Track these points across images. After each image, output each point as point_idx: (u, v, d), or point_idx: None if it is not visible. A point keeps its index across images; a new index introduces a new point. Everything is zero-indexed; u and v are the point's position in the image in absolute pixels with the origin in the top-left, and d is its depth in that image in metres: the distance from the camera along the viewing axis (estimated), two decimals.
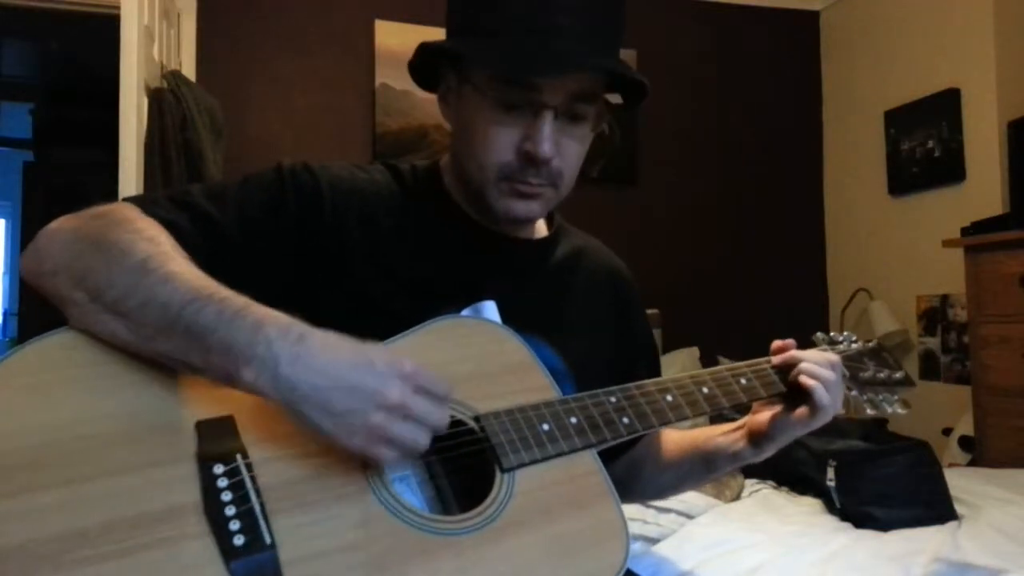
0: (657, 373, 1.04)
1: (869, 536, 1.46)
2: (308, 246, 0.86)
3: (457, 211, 0.95)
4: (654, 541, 1.43)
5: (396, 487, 0.73)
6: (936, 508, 1.54)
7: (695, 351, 3.18)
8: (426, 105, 3.03)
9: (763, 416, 0.99)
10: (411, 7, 3.06)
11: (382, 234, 0.90)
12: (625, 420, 0.85)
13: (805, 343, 1.06)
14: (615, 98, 0.96)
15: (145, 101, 2.28)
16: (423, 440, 0.68)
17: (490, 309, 0.90)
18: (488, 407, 0.79)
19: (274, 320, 0.67)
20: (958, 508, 1.56)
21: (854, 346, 1.12)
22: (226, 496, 0.64)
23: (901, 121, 3.26)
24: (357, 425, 0.65)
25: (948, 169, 3.04)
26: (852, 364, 1.07)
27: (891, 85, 3.31)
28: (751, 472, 1.84)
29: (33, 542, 0.58)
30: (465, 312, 0.89)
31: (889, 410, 1.07)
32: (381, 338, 0.80)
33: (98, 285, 0.70)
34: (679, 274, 3.39)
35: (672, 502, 1.53)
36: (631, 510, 1.45)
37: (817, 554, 1.35)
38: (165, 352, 0.68)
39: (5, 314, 6.80)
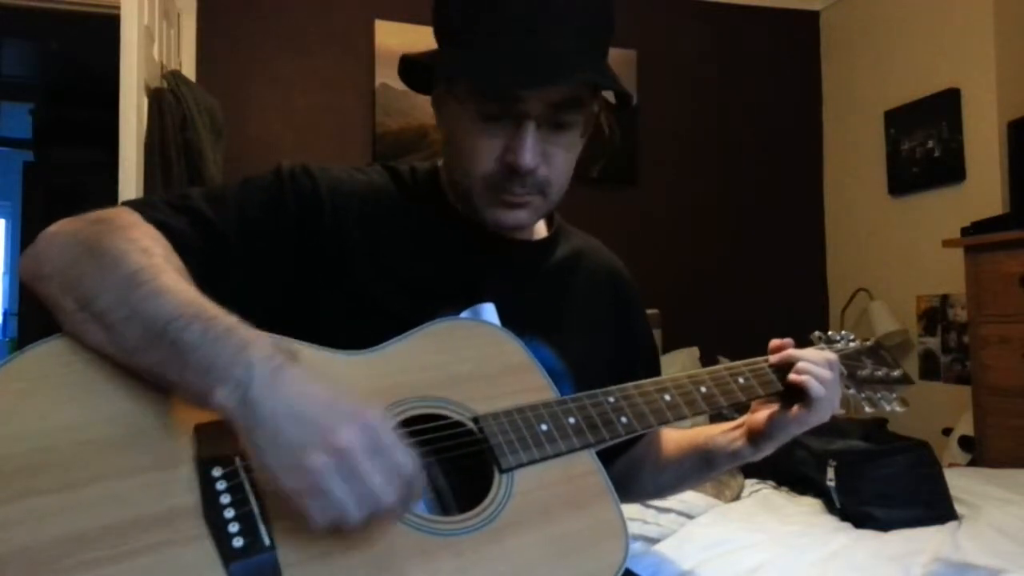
0: (657, 373, 1.04)
1: (869, 536, 1.46)
2: (308, 248, 0.86)
3: (456, 212, 0.95)
4: (654, 541, 1.43)
5: None
6: (936, 508, 1.54)
7: (695, 351, 3.18)
8: (426, 105, 2.99)
9: (761, 415, 0.99)
10: (411, 7, 3.06)
11: (381, 236, 0.91)
12: (623, 420, 0.85)
13: (804, 343, 1.06)
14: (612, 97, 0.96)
15: (145, 101, 2.28)
16: (353, 518, 0.60)
17: (489, 311, 0.90)
18: (486, 408, 0.79)
19: (260, 344, 0.65)
20: (958, 508, 1.56)
21: (852, 345, 1.12)
22: (225, 498, 0.64)
23: (901, 121, 3.26)
24: (295, 463, 0.60)
25: (948, 169, 3.04)
26: (850, 362, 1.07)
27: (891, 85, 3.31)
28: (751, 472, 1.85)
29: (32, 547, 0.58)
30: (464, 314, 0.89)
31: (888, 408, 1.07)
32: (380, 340, 0.81)
33: (87, 294, 0.69)
34: (679, 274, 3.39)
35: (672, 502, 1.53)
36: (631, 510, 1.45)
37: (817, 554, 1.35)
38: (145, 366, 0.67)
39: (5, 314, 6.80)
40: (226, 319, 0.67)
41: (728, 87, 3.60)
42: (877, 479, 1.56)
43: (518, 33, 0.82)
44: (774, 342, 1.01)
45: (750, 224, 3.58)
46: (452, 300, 0.89)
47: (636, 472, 1.09)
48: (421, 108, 3.09)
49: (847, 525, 1.54)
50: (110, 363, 0.68)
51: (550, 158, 0.87)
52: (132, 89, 2.14)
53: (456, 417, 0.78)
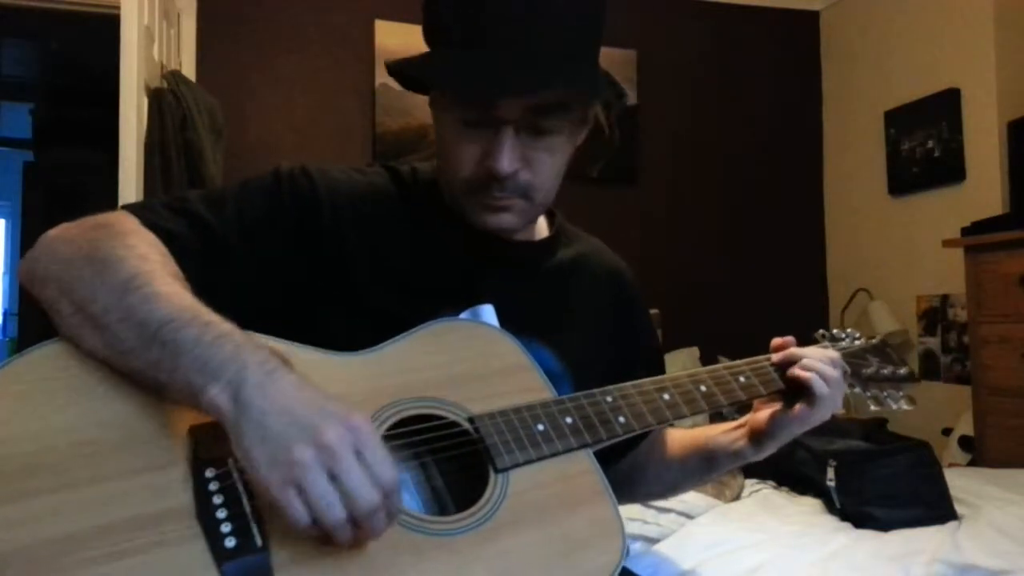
0: (660, 373, 1.03)
1: (869, 536, 1.46)
2: (306, 249, 0.87)
3: (456, 213, 0.95)
4: (654, 541, 1.43)
5: None
6: (936, 508, 1.54)
7: (695, 351, 3.18)
8: (426, 105, 3.01)
9: (763, 414, 0.99)
10: (411, 7, 3.02)
11: (380, 236, 0.91)
12: (621, 419, 0.85)
13: (806, 343, 1.06)
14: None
15: (145, 101, 2.28)
16: (335, 513, 0.60)
17: (488, 313, 0.90)
18: (483, 408, 0.79)
19: (255, 349, 0.66)
20: (958, 508, 1.56)
21: (857, 343, 1.11)
22: (218, 499, 0.64)
23: (901, 121, 3.25)
24: (280, 456, 0.60)
25: (948, 169, 3.04)
26: (854, 361, 1.07)
27: (891, 85, 3.31)
28: (751, 472, 1.84)
29: (31, 547, 0.59)
30: (463, 315, 0.89)
31: (894, 406, 1.07)
32: (379, 340, 0.81)
33: (84, 297, 0.70)
34: (679, 274, 3.39)
35: (672, 502, 1.53)
36: (631, 510, 1.45)
37: (817, 554, 1.35)
38: (137, 369, 0.67)
39: (5, 314, 6.80)
40: (222, 324, 0.68)
41: (728, 87, 3.60)
42: (877, 479, 1.56)
43: (497, 38, 0.81)
44: (776, 341, 1.00)
45: (750, 224, 3.58)
46: (451, 301, 0.89)
47: (640, 472, 1.09)
48: (421, 108, 3.07)
49: (847, 525, 1.53)
50: (107, 366, 0.69)
51: (532, 163, 0.87)
52: (132, 89, 2.14)
53: (452, 417, 0.78)
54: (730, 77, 3.61)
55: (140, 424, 0.67)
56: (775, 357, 0.99)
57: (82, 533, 0.60)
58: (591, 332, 1.01)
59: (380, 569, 0.66)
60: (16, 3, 2.94)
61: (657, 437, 1.10)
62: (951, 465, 2.45)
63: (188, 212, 0.84)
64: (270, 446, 0.61)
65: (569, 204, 1.07)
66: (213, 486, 0.65)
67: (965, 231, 2.55)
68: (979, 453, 2.49)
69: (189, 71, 2.90)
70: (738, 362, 0.98)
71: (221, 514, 0.63)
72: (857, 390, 1.06)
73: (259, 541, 0.63)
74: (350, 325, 0.84)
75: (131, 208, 0.84)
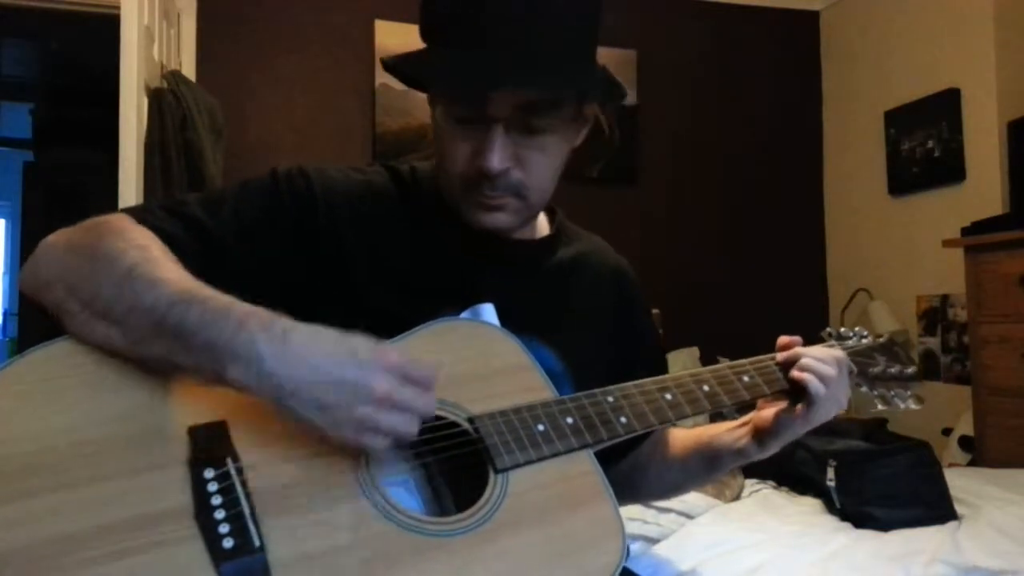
0: (662, 372, 1.03)
1: (869, 536, 1.46)
2: (305, 249, 0.87)
3: (455, 212, 0.95)
4: (654, 541, 1.43)
5: (392, 489, 0.72)
6: (936, 508, 1.54)
7: (695, 351, 3.18)
8: (426, 105, 3.02)
9: (768, 412, 0.98)
10: (411, 7, 3.01)
11: (379, 236, 0.91)
12: (623, 420, 0.85)
13: (809, 342, 1.05)
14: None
15: (145, 101, 2.28)
16: (412, 428, 0.69)
17: (489, 312, 0.90)
18: (483, 408, 0.79)
19: (256, 317, 0.68)
20: (958, 508, 1.56)
21: (864, 341, 1.10)
22: (216, 500, 0.64)
23: (901, 121, 3.25)
24: (344, 418, 0.66)
25: (948, 169, 3.04)
26: (861, 360, 1.06)
27: (891, 85, 3.31)
28: (751, 472, 1.84)
29: (30, 546, 0.59)
30: (464, 315, 0.89)
31: (902, 406, 1.06)
32: (378, 340, 0.80)
33: (89, 294, 0.71)
34: (679, 274, 3.38)
35: (672, 502, 1.53)
36: (631, 510, 1.45)
37: (817, 554, 1.35)
38: (156, 355, 0.69)
39: (5, 314, 6.80)
40: (221, 298, 0.69)
41: (728, 87, 3.60)
42: (877, 479, 1.56)
43: (493, 37, 0.81)
44: (782, 339, 1.00)
45: (750, 224, 3.58)
46: (451, 300, 0.89)
47: (642, 472, 1.08)
48: (421, 108, 3.06)
49: (847, 525, 1.53)
50: (107, 367, 0.69)
51: (524, 161, 0.86)
52: (132, 89, 2.14)
53: (452, 417, 0.78)
54: (730, 77, 3.60)
55: (140, 424, 0.68)
56: (779, 356, 0.98)
57: (81, 533, 0.60)
58: (592, 331, 1.01)
59: (379, 570, 0.66)
60: (16, 3, 2.94)
61: (659, 437, 1.09)
62: (951, 465, 2.45)
63: (185, 214, 0.84)
64: (331, 414, 0.66)
65: (569, 204, 1.06)
66: (212, 487, 0.65)
67: (965, 231, 2.55)
68: (979, 453, 2.48)
69: (189, 71, 2.90)
70: (742, 361, 0.97)
71: (219, 514, 0.64)
72: (864, 389, 1.05)
73: (257, 541, 0.63)
74: (349, 325, 0.84)
75: (129, 211, 0.84)
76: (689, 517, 1.54)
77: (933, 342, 3.13)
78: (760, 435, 0.99)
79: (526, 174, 0.87)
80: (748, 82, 3.62)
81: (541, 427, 0.80)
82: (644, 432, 0.89)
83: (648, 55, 3.44)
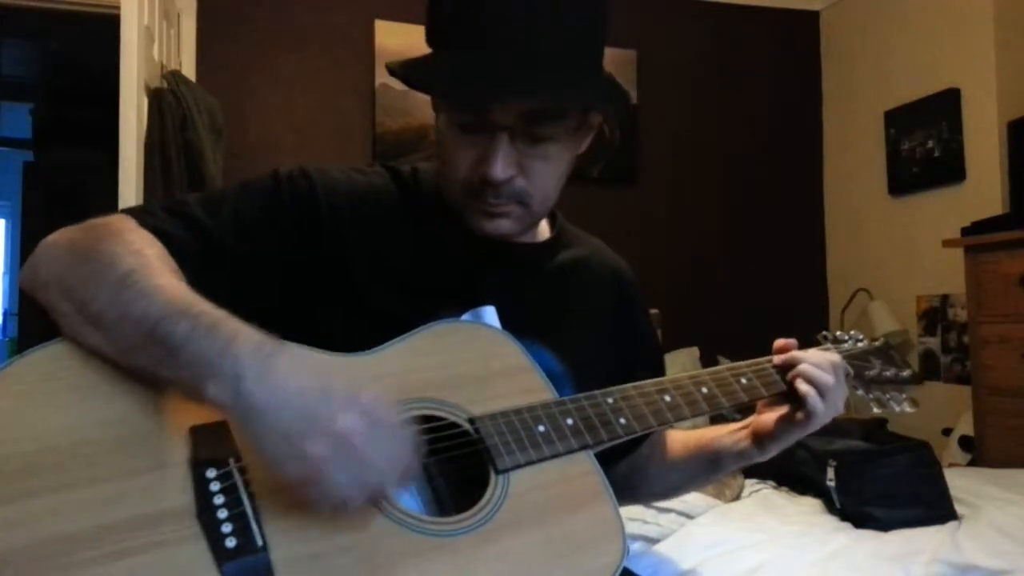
0: (661, 374, 1.03)
1: (869, 536, 1.46)
2: (306, 250, 0.86)
3: (457, 214, 0.95)
4: (654, 541, 1.43)
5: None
6: (936, 508, 1.54)
7: (695, 351, 3.18)
8: (426, 105, 2.98)
9: (766, 416, 0.99)
10: (411, 7, 3.04)
11: (381, 237, 0.90)
12: (622, 421, 0.85)
13: (806, 343, 1.05)
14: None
15: (145, 101, 2.28)
16: (355, 497, 0.61)
17: (490, 314, 0.90)
18: (484, 409, 0.79)
19: (247, 336, 0.65)
20: (958, 508, 1.56)
21: (859, 345, 1.11)
22: (218, 499, 0.64)
23: (901, 121, 3.25)
24: (296, 451, 0.61)
25: (948, 169, 3.04)
26: (857, 363, 1.06)
27: (891, 85, 3.31)
28: (751, 472, 1.84)
29: (31, 546, 0.59)
30: (465, 317, 0.89)
31: (897, 409, 1.07)
32: (379, 342, 0.81)
33: (83, 297, 0.70)
34: (679, 274, 3.39)
35: (672, 502, 1.53)
36: (631, 510, 1.45)
37: (817, 554, 1.35)
38: (141, 366, 0.68)
39: (5, 314, 6.80)
40: (213, 314, 0.67)
41: (728, 87, 3.60)
42: (877, 479, 1.56)
43: (496, 40, 0.81)
44: (778, 342, 1.00)
45: (750, 224, 3.58)
46: (452, 301, 0.89)
47: (641, 473, 1.08)
48: (421, 108, 3.09)
49: (847, 525, 1.53)
50: (108, 366, 0.69)
51: (528, 170, 0.86)
52: (132, 89, 2.14)
53: (453, 418, 0.78)
54: (730, 77, 3.61)
55: (141, 424, 0.67)
56: (776, 359, 0.99)
57: (82, 533, 0.60)
58: (592, 333, 1.01)
59: (381, 569, 0.66)
60: (16, 3, 2.94)
61: (658, 438, 1.09)
62: (951, 465, 2.45)
63: (185, 215, 0.84)
64: (283, 442, 0.61)
65: (569, 204, 1.06)
66: (214, 486, 0.65)
67: (965, 231, 2.55)
68: (979, 453, 2.48)
69: (189, 71, 2.90)
70: (740, 363, 0.98)
71: (222, 514, 0.63)
72: (860, 392, 1.06)
73: (260, 541, 0.63)
74: (349, 325, 0.84)
75: (129, 211, 0.84)
76: (689, 517, 1.54)
77: (933, 342, 3.13)
78: (760, 439, 0.99)
79: (529, 182, 0.87)
80: (748, 82, 3.62)
81: (542, 428, 0.80)
82: (643, 433, 0.89)
83: (648, 55, 3.44)
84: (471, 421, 0.78)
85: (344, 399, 0.63)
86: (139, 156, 2.22)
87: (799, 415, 0.94)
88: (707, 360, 3.03)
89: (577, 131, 0.89)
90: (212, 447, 0.67)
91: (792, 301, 3.48)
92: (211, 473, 0.65)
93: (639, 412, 0.87)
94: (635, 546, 1.42)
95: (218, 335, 0.65)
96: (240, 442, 0.67)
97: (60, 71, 4.89)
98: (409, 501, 0.75)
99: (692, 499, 1.59)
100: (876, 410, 1.06)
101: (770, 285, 3.53)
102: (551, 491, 0.77)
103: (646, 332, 1.12)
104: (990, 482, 1.77)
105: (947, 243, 2.61)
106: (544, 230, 1.02)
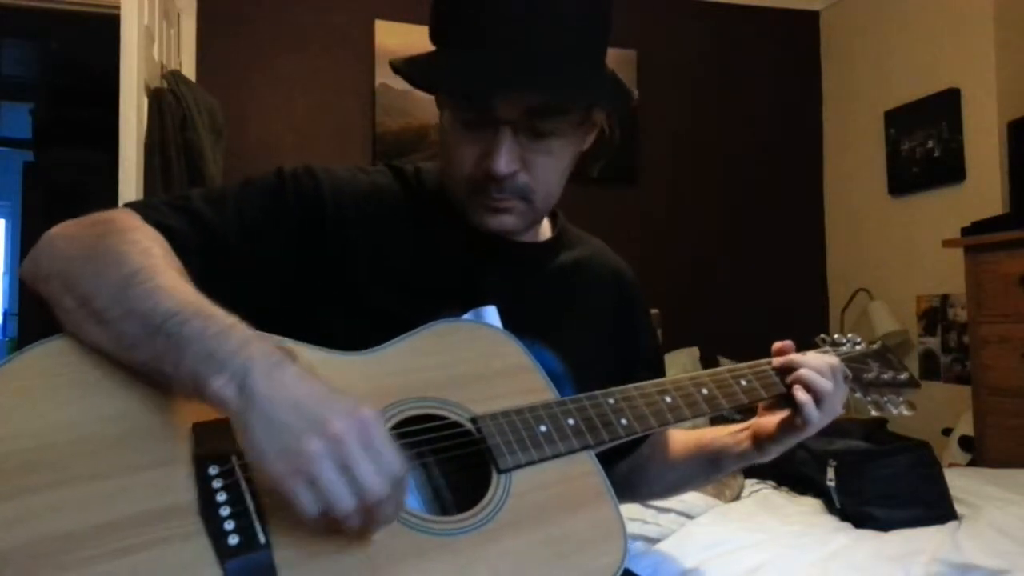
0: (661, 375, 1.03)
1: (869, 536, 1.46)
2: (309, 249, 0.86)
3: (459, 213, 0.95)
4: (654, 541, 1.43)
5: None
6: (936, 508, 1.54)
7: (695, 351, 3.18)
8: (426, 105, 3.01)
9: (767, 418, 0.99)
10: (411, 7, 3.05)
11: (383, 236, 0.90)
12: (623, 421, 0.85)
13: (806, 344, 1.06)
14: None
15: (145, 101, 2.28)
16: (344, 503, 0.59)
17: (491, 314, 0.90)
18: (485, 409, 0.79)
19: (260, 341, 0.66)
20: (958, 508, 1.56)
21: (857, 348, 1.12)
22: (221, 496, 0.64)
23: (901, 121, 3.26)
24: (288, 446, 0.60)
25: (948, 169, 3.04)
26: (855, 366, 1.07)
27: (891, 85, 3.31)
28: (751, 472, 1.85)
29: (32, 544, 0.59)
30: (466, 317, 0.89)
31: (895, 411, 1.07)
32: (379, 341, 0.81)
33: (86, 293, 0.70)
34: (679, 274, 3.39)
35: (672, 502, 1.53)
36: (631, 510, 1.45)
37: (817, 554, 1.35)
38: (140, 361, 0.67)
39: (5, 314, 6.80)
40: (227, 317, 0.67)
41: (728, 87, 3.60)
42: (877, 479, 1.56)
43: (497, 38, 0.81)
44: (777, 344, 1.01)
45: (750, 224, 3.58)
46: (454, 301, 0.89)
47: (642, 472, 1.09)
48: (421, 108, 3.09)
49: (847, 525, 1.54)
50: (108, 363, 0.69)
51: (531, 165, 0.86)
52: (132, 89, 2.14)
53: (454, 418, 0.78)
54: (730, 77, 3.61)
55: (142, 421, 0.67)
56: (776, 362, 0.99)
57: (83, 530, 0.60)
58: (593, 333, 1.01)
59: (383, 568, 0.66)
60: (16, 3, 2.94)
61: (659, 438, 1.10)
62: (951, 465, 2.45)
63: (189, 210, 0.84)
64: (277, 437, 0.61)
65: (569, 204, 1.06)
66: (217, 483, 0.65)
67: (965, 231, 2.55)
68: (979, 453, 2.49)
69: (189, 71, 2.90)
70: (740, 365, 0.98)
71: (224, 511, 0.63)
72: (858, 395, 1.06)
73: (262, 538, 0.63)
74: (350, 325, 0.84)
75: (133, 205, 0.84)
76: (689, 517, 1.54)
77: (933, 342, 3.13)
78: (760, 441, 0.99)
79: (533, 177, 0.87)
80: (748, 82, 3.62)
81: (543, 428, 0.80)
82: (644, 434, 0.89)
83: (648, 55, 3.44)
84: (473, 420, 0.78)
85: (345, 408, 0.63)
86: (139, 156, 2.22)
87: (798, 420, 0.95)
88: (707, 360, 3.03)
89: (580, 127, 0.90)
90: (214, 444, 0.66)
91: (792, 301, 3.48)
92: (213, 470, 0.65)
93: (640, 413, 0.87)
94: (635, 546, 1.42)
95: (231, 336, 0.65)
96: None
97: (60, 71, 4.89)
98: (410, 500, 0.75)
99: (692, 499, 1.59)
100: (873, 412, 1.07)
101: (770, 285, 3.53)
102: (552, 491, 0.77)
103: (646, 332, 1.12)
104: (990, 482, 1.77)
105: (947, 243, 2.61)
106: (545, 230, 1.02)
